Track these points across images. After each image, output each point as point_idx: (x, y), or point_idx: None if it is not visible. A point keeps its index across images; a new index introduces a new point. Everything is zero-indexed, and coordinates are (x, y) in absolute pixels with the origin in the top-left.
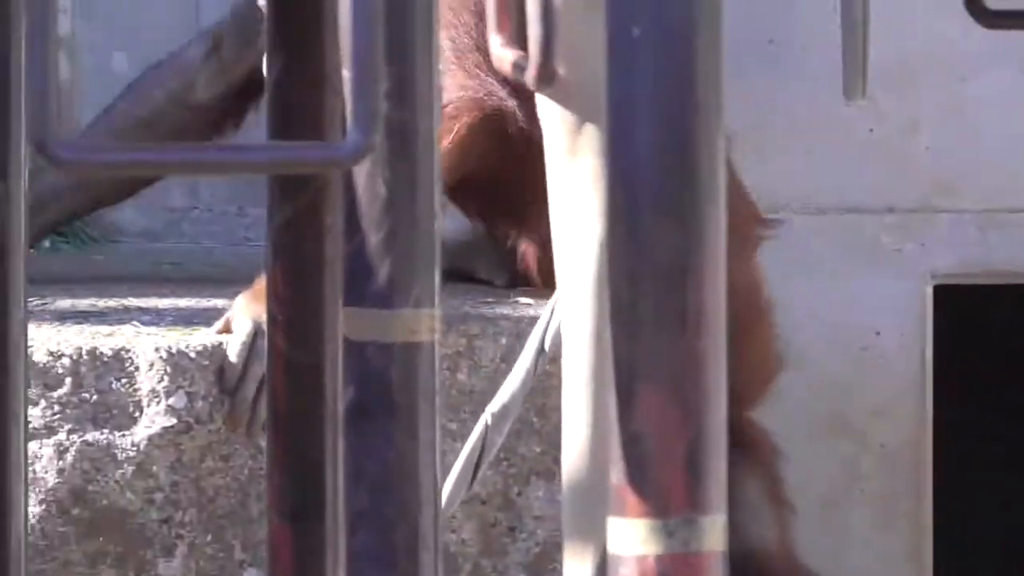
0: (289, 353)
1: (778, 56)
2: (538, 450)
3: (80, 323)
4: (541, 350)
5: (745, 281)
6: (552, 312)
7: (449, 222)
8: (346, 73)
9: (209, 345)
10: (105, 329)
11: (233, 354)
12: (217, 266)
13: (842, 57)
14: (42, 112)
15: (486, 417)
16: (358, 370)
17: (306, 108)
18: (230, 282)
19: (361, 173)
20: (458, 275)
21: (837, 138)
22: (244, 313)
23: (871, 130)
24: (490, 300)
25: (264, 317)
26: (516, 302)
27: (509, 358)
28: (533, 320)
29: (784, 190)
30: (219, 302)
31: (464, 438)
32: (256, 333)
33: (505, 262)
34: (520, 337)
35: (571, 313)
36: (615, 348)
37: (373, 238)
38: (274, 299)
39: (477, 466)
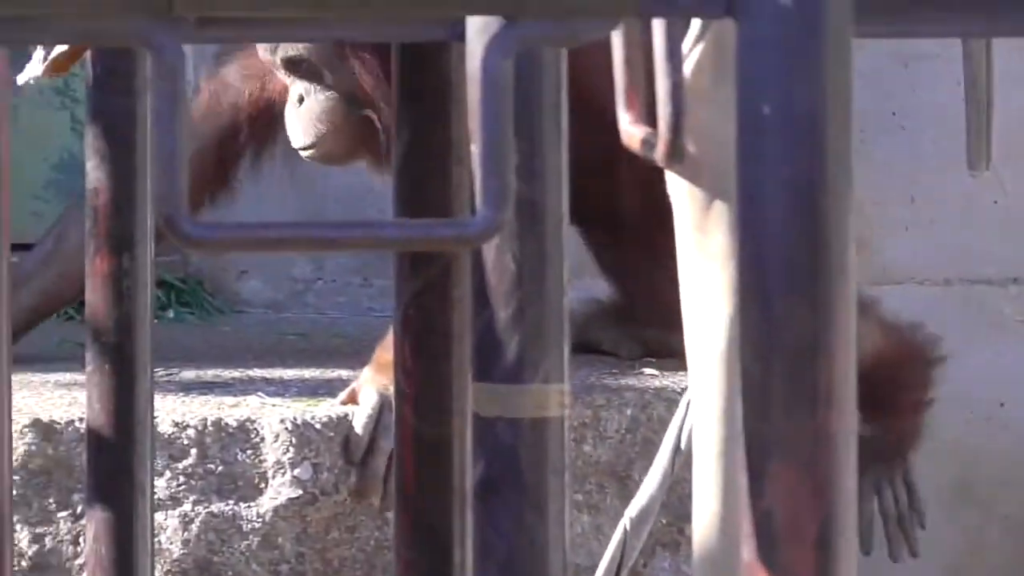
0: (417, 426)
1: (902, 129)
2: (664, 522)
3: (205, 394)
4: (677, 448)
5: None
6: (687, 408)
7: (573, 293)
8: (475, 149)
9: (334, 416)
10: (230, 400)
11: (359, 426)
12: (342, 337)
13: (966, 129)
14: (170, 188)
15: (624, 522)
16: (487, 446)
17: (433, 181)
18: (355, 353)
19: (490, 248)
20: (583, 347)
21: (961, 210)
22: (370, 384)
23: (995, 202)
24: (615, 371)
25: (388, 388)
26: (641, 373)
27: (634, 429)
28: (658, 391)
29: (909, 261)
30: (344, 373)
31: (590, 509)
32: (382, 404)
33: (630, 334)
34: (645, 408)
35: (702, 388)
36: (746, 425)
37: (502, 313)
38: (402, 372)
39: (618, 573)
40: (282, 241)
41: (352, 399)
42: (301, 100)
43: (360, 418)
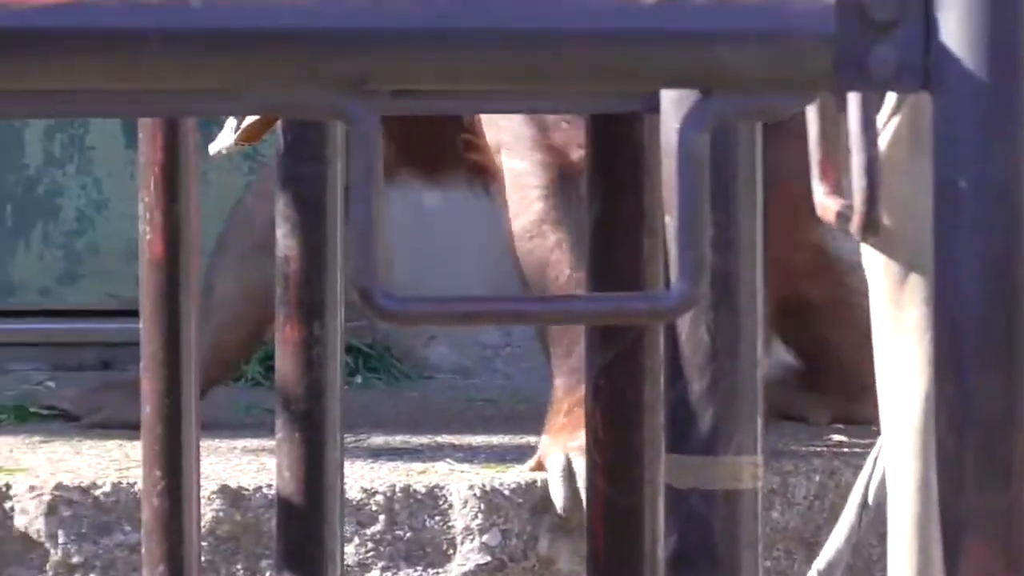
0: (609, 496)
1: None
2: None
3: (394, 460)
4: (864, 503)
5: None
6: (874, 464)
7: None
8: (670, 221)
9: (523, 483)
10: (419, 466)
11: (555, 493)
12: (529, 403)
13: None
14: (365, 260)
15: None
16: (681, 517)
17: (624, 253)
18: (542, 419)
19: (684, 319)
20: (771, 412)
21: None
22: (555, 449)
23: None
24: (803, 437)
25: (576, 453)
26: (829, 439)
27: (822, 496)
28: (846, 458)
29: None
30: (531, 439)
31: (778, 575)
32: (570, 471)
33: (818, 400)
34: (833, 475)
35: (897, 460)
36: (941, 499)
37: (696, 385)
38: (594, 442)
39: None
40: (474, 315)
41: (540, 465)
42: None
43: (555, 485)
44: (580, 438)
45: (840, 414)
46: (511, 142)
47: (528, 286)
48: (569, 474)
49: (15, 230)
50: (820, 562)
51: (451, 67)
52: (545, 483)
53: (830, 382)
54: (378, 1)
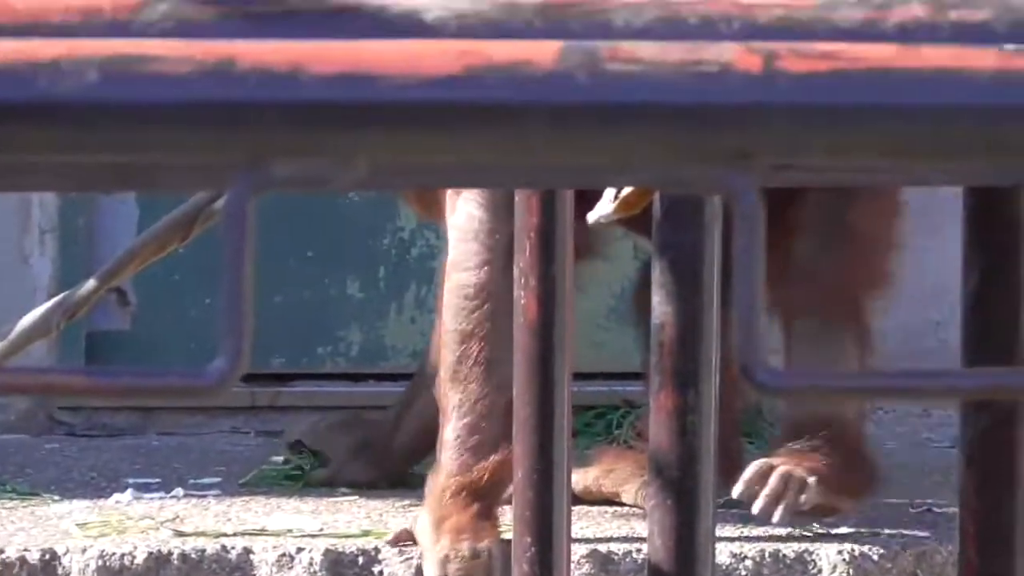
0: (980, 566)
1: None
2: None
3: (764, 524)
4: None
5: None
6: None
7: None
8: None
9: (893, 549)
10: (784, 531)
11: None
12: (901, 468)
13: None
14: (749, 335)
15: None
16: None
17: (1002, 326)
18: (913, 483)
19: None
20: None
21: None
22: (446, 539)
23: None
24: None
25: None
26: None
27: None
28: None
29: None
30: (900, 501)
31: None
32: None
33: None
34: None
35: None
36: None
37: None
38: (966, 509)
39: None
40: (854, 390)
41: (408, 537)
42: None
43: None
44: (473, 533)
45: None
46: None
47: (444, 338)
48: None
49: (388, 293)
50: None
51: (840, 142)
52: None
53: None
54: (764, 76)
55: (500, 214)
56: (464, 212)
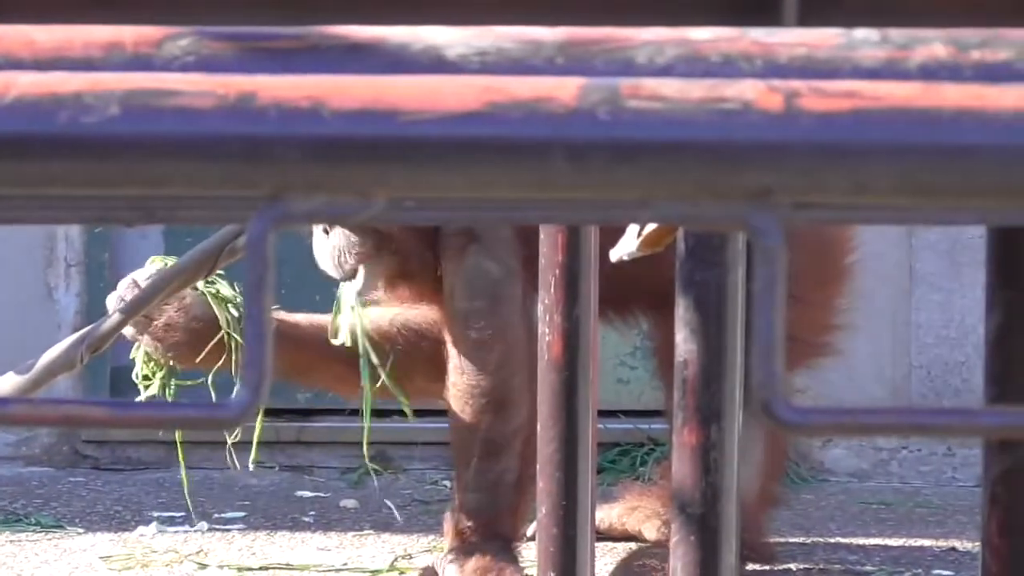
0: None
1: None
2: None
3: (785, 562)
4: None
5: None
6: None
7: None
8: None
9: None
10: (809, 567)
11: None
12: (925, 507)
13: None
14: (768, 373)
15: None
16: None
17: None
18: (938, 522)
19: None
20: None
21: None
22: None
23: None
24: None
25: None
26: None
27: None
28: None
29: None
30: (926, 542)
31: None
32: None
33: None
34: None
35: None
36: None
37: None
38: (989, 550)
39: None
40: (875, 427)
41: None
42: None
43: None
44: (498, 572)
45: None
46: (486, 237)
47: (456, 432)
48: None
49: None
50: None
51: (861, 181)
52: None
53: None
54: (786, 114)
55: (512, 265)
56: (473, 267)
